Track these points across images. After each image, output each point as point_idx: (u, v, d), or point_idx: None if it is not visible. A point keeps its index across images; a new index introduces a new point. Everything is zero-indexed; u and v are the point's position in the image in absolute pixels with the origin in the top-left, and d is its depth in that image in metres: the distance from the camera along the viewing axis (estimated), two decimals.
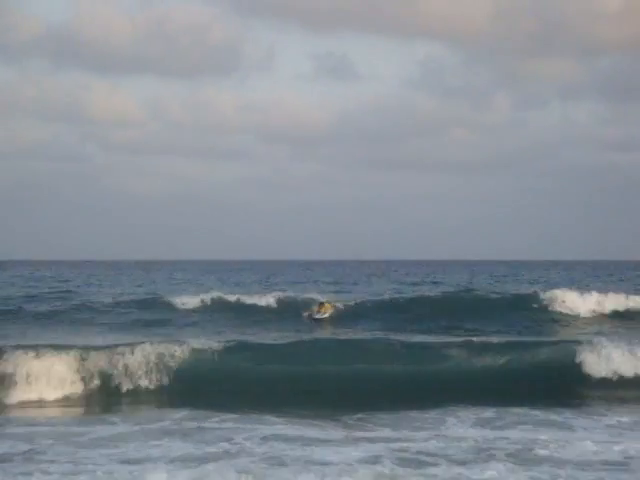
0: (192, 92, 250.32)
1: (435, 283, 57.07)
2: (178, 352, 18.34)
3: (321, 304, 31.67)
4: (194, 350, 18.58)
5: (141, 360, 17.99)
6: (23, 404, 16.65)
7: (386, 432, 13.43)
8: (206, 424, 13.84)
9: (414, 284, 55.21)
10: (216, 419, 14.26)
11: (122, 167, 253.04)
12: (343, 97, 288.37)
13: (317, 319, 30.48)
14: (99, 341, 20.47)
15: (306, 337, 22.48)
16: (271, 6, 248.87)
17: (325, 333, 26.57)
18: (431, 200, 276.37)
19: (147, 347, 18.27)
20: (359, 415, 14.91)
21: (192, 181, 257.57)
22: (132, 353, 18.06)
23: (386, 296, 34.98)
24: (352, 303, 32.02)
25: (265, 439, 12.68)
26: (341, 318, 29.54)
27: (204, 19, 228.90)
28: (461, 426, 13.86)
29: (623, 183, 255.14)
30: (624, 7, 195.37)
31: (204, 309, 30.93)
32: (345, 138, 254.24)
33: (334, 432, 13.43)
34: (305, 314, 30.78)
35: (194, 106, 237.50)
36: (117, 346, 18.42)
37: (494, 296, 34.09)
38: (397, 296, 35.80)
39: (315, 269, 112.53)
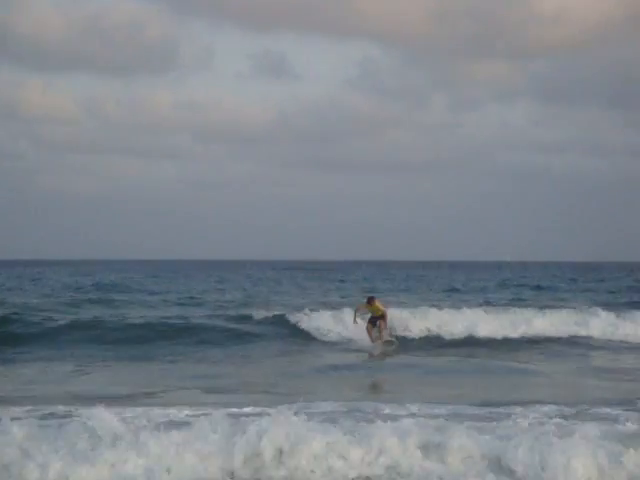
0: (128, 90, 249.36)
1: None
2: None
3: (370, 299, 24.97)
4: None
5: None
6: None
7: None
8: None
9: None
10: None
11: (56, 166, 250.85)
12: (281, 96, 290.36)
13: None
14: None
15: None
16: (208, 5, 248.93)
17: None
18: (369, 200, 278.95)
19: None
20: None
21: (128, 180, 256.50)
22: None
23: None
24: None
25: None
26: None
27: (140, 17, 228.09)
28: None
29: (557, 184, 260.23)
30: (558, 10, 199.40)
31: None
32: (283, 138, 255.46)
33: None
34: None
35: (130, 104, 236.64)
36: None
37: None
38: None
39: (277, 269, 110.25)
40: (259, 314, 29.40)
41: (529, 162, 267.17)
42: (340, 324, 26.35)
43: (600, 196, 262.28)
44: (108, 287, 54.19)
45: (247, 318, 29.10)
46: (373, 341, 24.39)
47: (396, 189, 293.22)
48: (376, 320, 24.50)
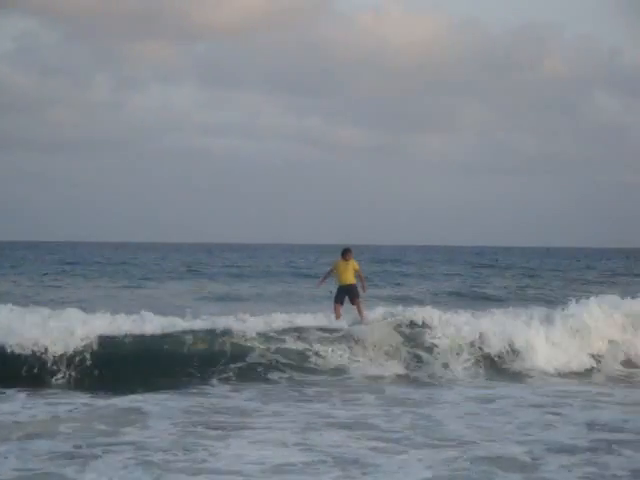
0: None
1: None
2: None
3: (346, 252, 19.41)
4: None
5: None
6: None
7: None
8: None
9: None
10: None
11: None
12: None
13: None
14: None
15: None
16: None
17: None
18: (28, 179, 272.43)
19: None
20: None
21: None
22: None
23: None
24: None
25: None
26: None
27: None
28: None
29: (218, 166, 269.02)
30: None
31: None
32: None
33: None
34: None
35: None
36: None
37: None
38: None
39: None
40: None
41: (192, 144, 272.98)
42: None
43: (261, 179, 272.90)
44: None
45: None
46: (337, 318, 19.43)
47: (56, 168, 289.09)
48: (344, 296, 19.54)
